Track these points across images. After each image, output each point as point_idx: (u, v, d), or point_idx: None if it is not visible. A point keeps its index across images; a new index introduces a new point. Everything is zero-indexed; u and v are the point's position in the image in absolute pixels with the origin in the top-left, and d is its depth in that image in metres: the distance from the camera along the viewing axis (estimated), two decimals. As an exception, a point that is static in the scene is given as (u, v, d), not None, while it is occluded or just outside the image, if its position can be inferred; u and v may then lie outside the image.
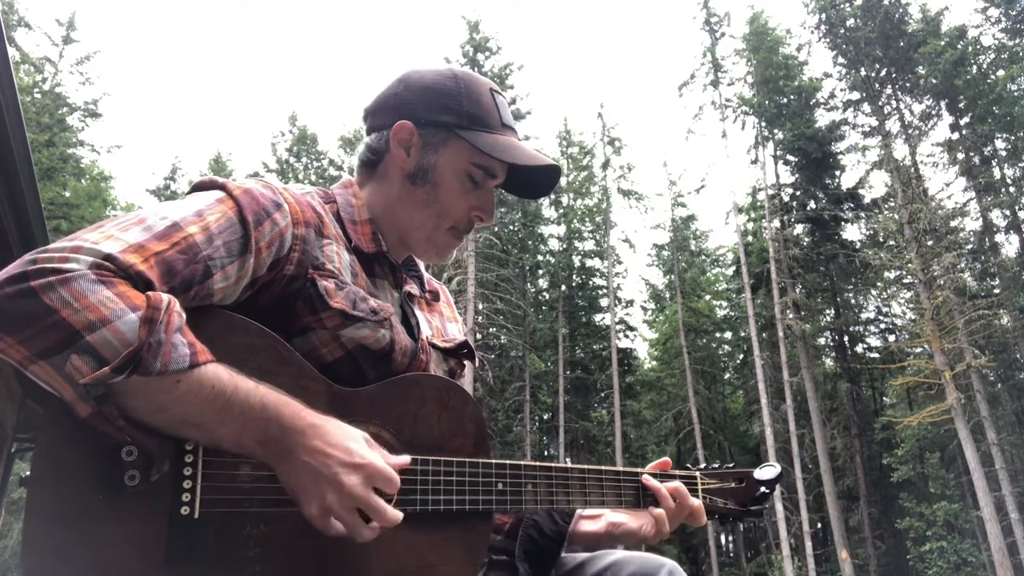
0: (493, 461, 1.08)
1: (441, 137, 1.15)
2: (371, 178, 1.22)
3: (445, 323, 1.32)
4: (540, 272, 33.40)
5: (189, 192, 1.03)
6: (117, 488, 0.81)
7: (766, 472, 1.36)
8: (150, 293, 0.81)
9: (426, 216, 1.17)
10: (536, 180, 1.24)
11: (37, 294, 0.76)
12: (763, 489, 1.35)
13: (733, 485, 1.36)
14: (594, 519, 1.30)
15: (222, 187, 1.00)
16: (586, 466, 1.21)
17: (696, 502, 1.28)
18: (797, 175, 29.86)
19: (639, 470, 1.29)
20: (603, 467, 1.23)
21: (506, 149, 1.13)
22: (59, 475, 0.82)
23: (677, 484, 1.27)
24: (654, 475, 1.29)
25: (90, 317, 0.76)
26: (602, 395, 31.46)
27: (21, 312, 0.75)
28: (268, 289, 1.01)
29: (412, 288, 1.24)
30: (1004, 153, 25.75)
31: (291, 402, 0.89)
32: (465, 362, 1.30)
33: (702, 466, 1.38)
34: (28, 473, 0.81)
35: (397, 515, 0.90)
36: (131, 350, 0.76)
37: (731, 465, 1.39)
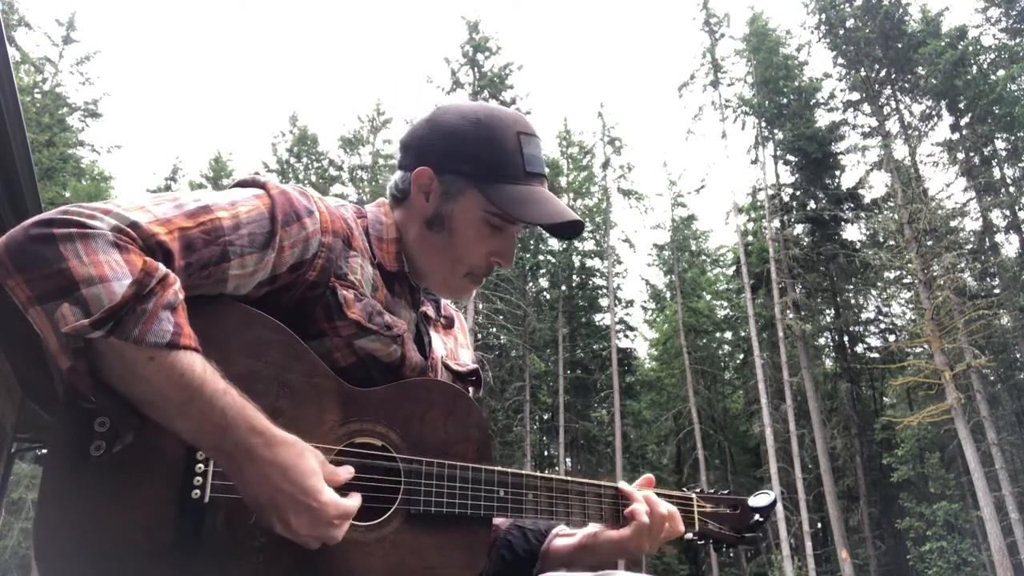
0: (496, 468, 1.09)
1: (459, 186, 1.13)
2: (396, 209, 1.23)
3: (458, 348, 1.33)
4: (540, 272, 33.41)
5: (232, 186, 1.06)
6: (83, 457, 0.82)
7: (760, 500, 1.36)
8: (147, 259, 0.82)
9: (441, 262, 1.17)
10: (559, 228, 1.20)
11: (55, 241, 0.79)
12: (757, 517, 1.35)
13: (728, 511, 1.36)
14: (570, 535, 1.28)
15: (262, 186, 1.04)
16: (586, 480, 1.21)
17: (666, 510, 1.25)
18: (797, 175, 29.89)
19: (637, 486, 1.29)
20: (602, 482, 1.22)
21: (522, 204, 1.10)
22: (57, 451, 0.84)
23: (670, 504, 1.26)
24: (658, 492, 1.28)
25: (92, 273, 0.79)
26: (602, 395, 31.44)
27: (36, 254, 0.79)
28: (289, 291, 1.03)
29: (428, 310, 1.26)
30: (1004, 153, 25.76)
31: (252, 418, 0.86)
32: (470, 388, 1.31)
33: (699, 490, 1.37)
34: (44, 451, 0.83)
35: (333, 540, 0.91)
36: (113, 306, 0.78)
37: (727, 491, 1.39)
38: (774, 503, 1.36)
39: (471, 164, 1.12)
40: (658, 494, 1.28)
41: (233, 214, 0.96)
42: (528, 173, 1.13)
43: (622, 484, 1.25)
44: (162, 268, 0.83)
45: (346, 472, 0.94)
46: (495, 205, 1.09)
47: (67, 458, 0.83)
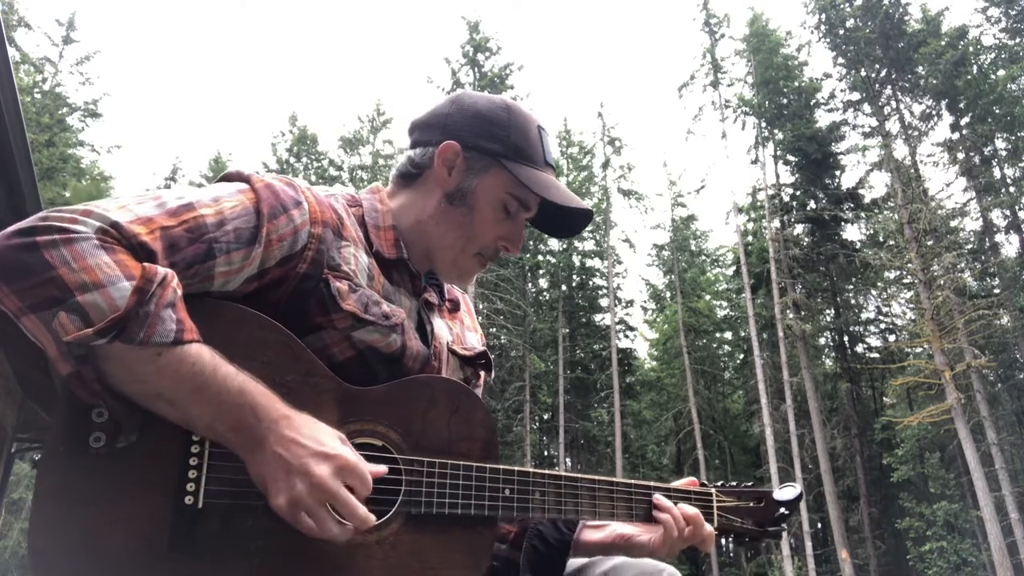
0: (501, 467, 1.06)
1: (485, 163, 1.17)
2: (405, 189, 1.23)
3: (465, 332, 1.32)
4: (540, 272, 33.39)
5: (216, 181, 1.05)
6: (81, 449, 0.82)
7: (786, 492, 1.31)
8: (146, 264, 0.82)
9: (456, 237, 1.18)
10: (566, 221, 1.25)
11: (39, 249, 0.78)
12: (783, 510, 1.31)
13: (751, 504, 1.32)
14: (599, 528, 1.27)
15: (247, 180, 1.04)
16: (596, 476, 1.19)
17: (709, 529, 1.25)
18: (797, 175, 29.87)
19: (650, 483, 1.26)
20: (614, 479, 1.20)
21: (547, 186, 1.15)
22: (54, 449, 0.83)
23: (695, 513, 1.24)
24: (676, 489, 1.27)
25: (84, 279, 0.78)
26: (602, 395, 31.43)
27: (22, 264, 0.77)
28: (281, 285, 1.02)
29: (431, 296, 1.24)
30: (1004, 153, 25.76)
31: (268, 392, 0.89)
32: (481, 372, 1.30)
33: (719, 484, 1.33)
34: (39, 456, 0.84)
35: (368, 516, 0.89)
36: (116, 316, 0.77)
37: (749, 484, 1.34)
38: (800, 496, 1.32)
39: (499, 143, 1.16)
40: (676, 491, 1.27)
41: (217, 211, 0.95)
42: (546, 163, 1.20)
43: (658, 497, 1.23)
44: (160, 270, 0.82)
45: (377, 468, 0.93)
46: (521, 182, 1.13)
47: (66, 451, 0.82)
